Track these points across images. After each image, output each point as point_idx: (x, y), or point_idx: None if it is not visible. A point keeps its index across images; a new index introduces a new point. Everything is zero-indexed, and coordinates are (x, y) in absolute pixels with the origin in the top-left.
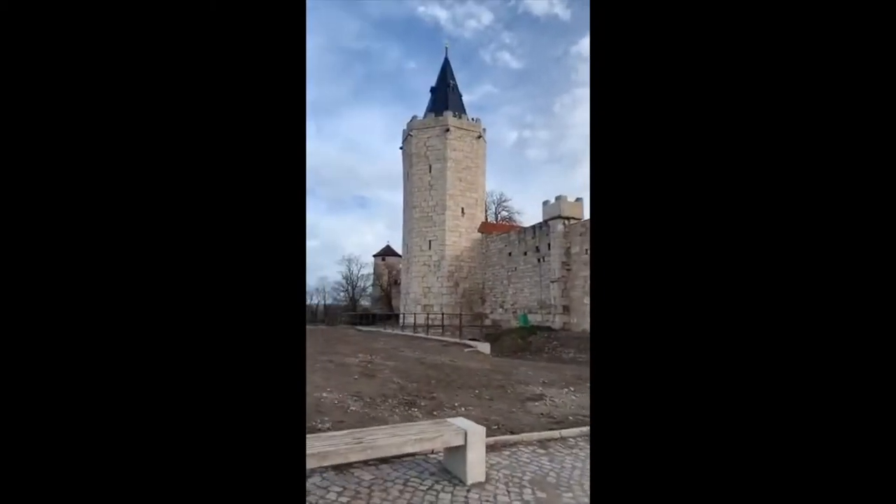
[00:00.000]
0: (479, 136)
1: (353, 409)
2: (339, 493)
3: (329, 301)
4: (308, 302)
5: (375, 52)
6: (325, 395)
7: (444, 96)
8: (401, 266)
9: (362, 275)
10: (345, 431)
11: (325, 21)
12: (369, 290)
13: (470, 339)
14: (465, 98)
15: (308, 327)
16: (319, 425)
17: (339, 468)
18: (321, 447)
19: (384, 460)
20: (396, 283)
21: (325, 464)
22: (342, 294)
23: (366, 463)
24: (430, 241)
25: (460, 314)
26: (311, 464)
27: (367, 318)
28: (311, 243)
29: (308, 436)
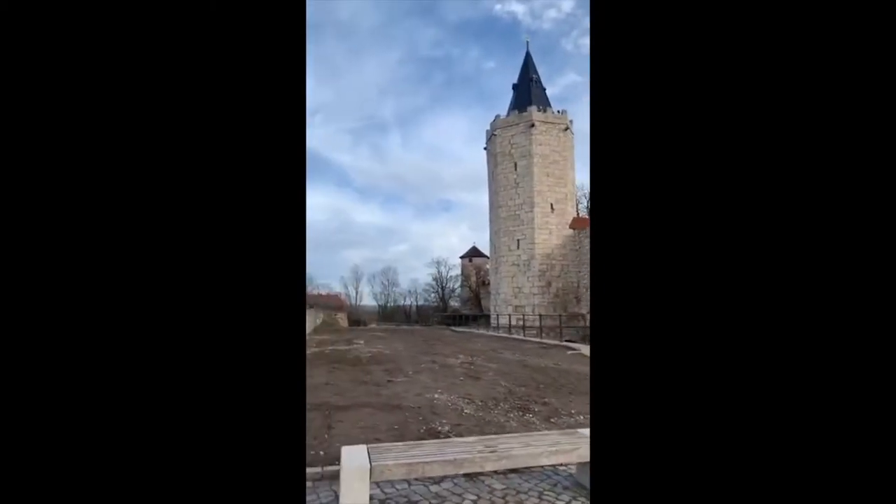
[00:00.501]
0: (566, 129)
1: (467, 412)
2: (475, 502)
3: (420, 302)
4: (402, 303)
5: (454, 56)
6: (436, 396)
7: (527, 91)
8: (488, 267)
9: (451, 276)
10: (474, 438)
11: (401, 34)
12: (458, 291)
13: (567, 341)
14: (548, 91)
15: (404, 327)
16: (439, 428)
17: (470, 476)
18: (454, 454)
19: (513, 469)
20: (485, 283)
21: (461, 472)
22: (433, 295)
23: (495, 471)
24: (518, 241)
25: (560, 315)
26: (445, 470)
27: (459, 319)
28: (401, 247)
29: (437, 441)
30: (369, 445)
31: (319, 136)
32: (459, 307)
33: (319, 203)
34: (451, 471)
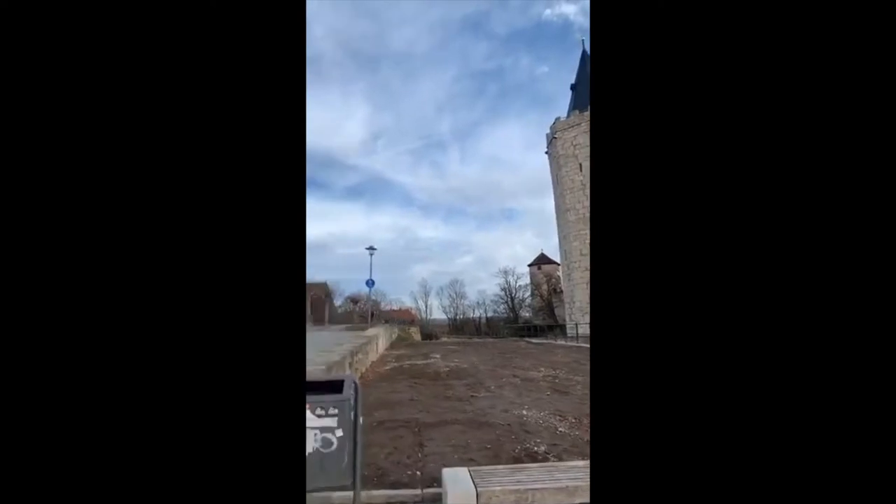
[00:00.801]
0: None
1: (562, 430)
2: None
3: (490, 314)
4: (471, 315)
5: (506, 67)
6: (524, 412)
7: (587, 90)
8: (559, 274)
9: (519, 286)
10: (584, 462)
11: (453, 53)
12: (528, 300)
13: None
14: None
15: (476, 340)
16: (535, 448)
17: None
18: (566, 480)
19: None
20: (556, 291)
21: (575, 501)
22: (502, 306)
23: None
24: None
25: None
26: (557, 499)
27: (532, 330)
28: (466, 259)
29: (542, 464)
30: (471, 468)
31: (382, 161)
32: (531, 317)
33: (385, 223)
34: (563, 499)
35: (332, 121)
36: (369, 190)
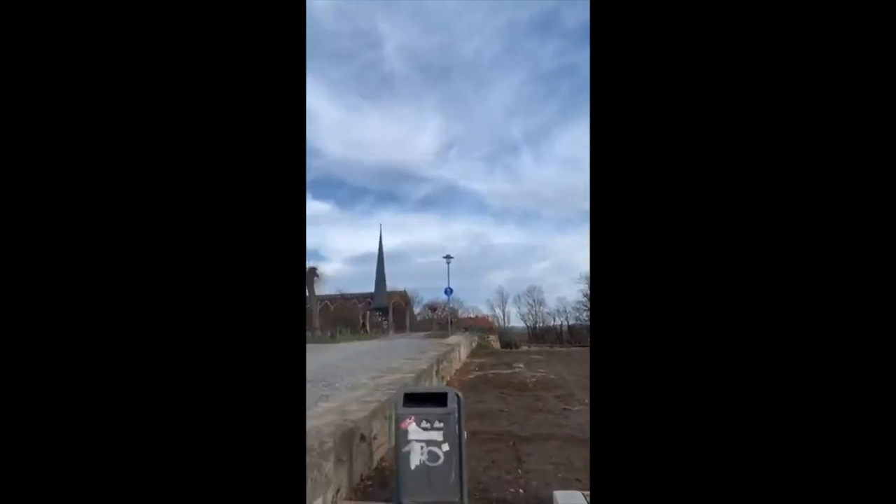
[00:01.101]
0: None
1: None
2: None
3: (572, 321)
4: (551, 323)
5: (578, 62)
6: None
7: None
8: None
9: None
10: None
11: (524, 54)
12: None
13: None
14: None
15: (559, 349)
16: None
17: None
18: None
19: None
20: None
21: None
22: (585, 314)
23: None
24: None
25: None
26: None
27: None
28: (543, 265)
29: None
30: (584, 493)
31: (455, 170)
32: None
33: (459, 232)
34: None
35: (405, 135)
36: (442, 199)
